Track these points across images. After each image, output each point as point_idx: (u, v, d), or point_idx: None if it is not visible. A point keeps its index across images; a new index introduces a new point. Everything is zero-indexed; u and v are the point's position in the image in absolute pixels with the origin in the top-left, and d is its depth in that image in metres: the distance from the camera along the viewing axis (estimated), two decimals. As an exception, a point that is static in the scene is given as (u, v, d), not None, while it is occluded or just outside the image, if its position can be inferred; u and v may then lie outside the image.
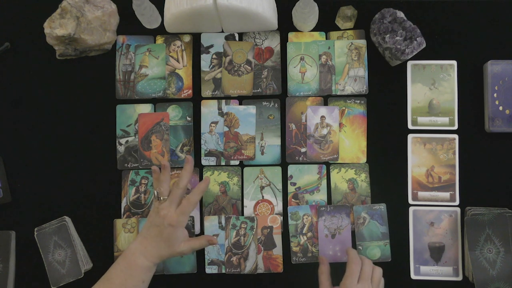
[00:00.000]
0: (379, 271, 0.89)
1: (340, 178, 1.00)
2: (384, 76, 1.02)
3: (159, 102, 1.02)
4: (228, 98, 1.02)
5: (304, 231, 0.98)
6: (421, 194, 0.99)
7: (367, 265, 0.88)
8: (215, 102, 1.02)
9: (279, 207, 1.00)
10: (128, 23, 1.04)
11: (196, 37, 1.04)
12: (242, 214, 1.00)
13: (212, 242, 0.91)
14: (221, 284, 0.99)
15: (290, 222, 0.99)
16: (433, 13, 1.02)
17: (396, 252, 0.98)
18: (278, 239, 0.99)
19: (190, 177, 0.91)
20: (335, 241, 0.93)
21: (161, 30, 1.04)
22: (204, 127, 1.02)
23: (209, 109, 1.02)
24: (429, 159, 0.99)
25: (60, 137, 1.02)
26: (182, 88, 1.03)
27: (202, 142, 1.01)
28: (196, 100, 1.02)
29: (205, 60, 1.03)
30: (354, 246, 0.98)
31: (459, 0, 1.03)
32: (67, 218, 0.99)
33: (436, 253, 0.98)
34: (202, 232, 0.99)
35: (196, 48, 1.04)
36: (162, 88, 1.02)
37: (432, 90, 1.01)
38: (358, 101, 1.01)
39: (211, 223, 0.99)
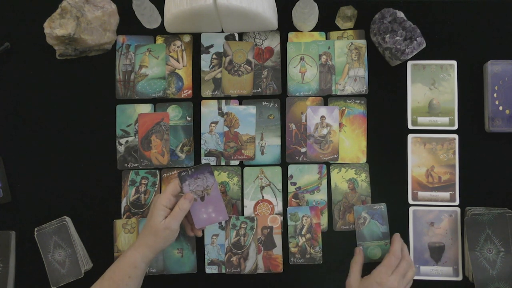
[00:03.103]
0: (413, 271, 0.90)
1: (340, 178, 1.00)
2: (384, 76, 1.02)
3: (159, 102, 1.02)
4: (228, 98, 1.02)
5: (303, 232, 0.98)
6: (421, 194, 0.99)
7: (405, 261, 0.89)
8: (215, 102, 1.02)
9: (279, 207, 1.00)
10: (128, 23, 1.04)
11: (196, 37, 1.04)
12: (242, 214, 1.00)
13: (190, 197, 0.90)
14: (221, 284, 0.99)
15: (289, 223, 0.99)
16: (433, 13, 1.02)
17: (396, 252, 0.98)
18: (278, 239, 0.99)
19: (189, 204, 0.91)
20: (206, 203, 0.91)
21: (161, 30, 1.04)
22: (204, 127, 1.02)
23: (209, 109, 1.02)
24: (429, 159, 0.99)
25: (60, 137, 1.02)
26: (182, 88, 1.03)
27: (202, 142, 1.01)
28: (196, 100, 1.02)
29: (205, 60, 1.03)
30: (355, 246, 0.98)
31: (459, 0, 1.03)
32: (67, 218, 0.99)
33: (436, 253, 0.98)
34: (202, 232, 0.99)
35: (196, 48, 1.04)
36: (162, 88, 1.03)
37: (432, 90, 1.01)
38: (358, 101, 1.01)
39: (211, 223, 0.99)
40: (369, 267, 0.97)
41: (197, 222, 0.92)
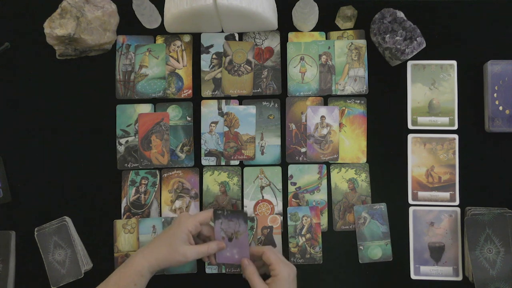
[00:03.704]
0: (290, 267, 0.88)
1: (340, 178, 1.00)
2: (384, 76, 1.02)
3: (159, 102, 1.02)
4: (228, 98, 1.02)
5: (303, 232, 0.98)
6: (421, 194, 0.99)
7: (283, 266, 0.87)
8: (215, 102, 1.02)
9: (279, 207, 1.00)
10: (128, 23, 1.04)
11: (196, 37, 1.04)
12: (242, 214, 1.00)
13: (222, 246, 0.90)
14: (221, 284, 0.99)
15: (289, 223, 0.99)
16: (433, 13, 1.02)
17: (396, 252, 0.98)
18: (278, 239, 0.99)
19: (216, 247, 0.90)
20: (232, 244, 0.91)
21: (161, 30, 1.04)
22: (204, 127, 1.02)
23: (209, 109, 1.02)
24: (429, 159, 0.99)
25: (60, 137, 1.02)
26: (182, 88, 1.03)
27: (202, 142, 1.01)
28: (196, 100, 1.02)
29: (205, 60, 1.03)
30: (355, 246, 0.98)
31: (459, 0, 1.03)
32: (67, 218, 0.99)
33: (436, 253, 0.98)
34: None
35: (196, 48, 1.04)
36: (162, 88, 1.03)
37: (432, 90, 1.01)
38: (358, 101, 1.01)
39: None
40: (369, 266, 0.98)
41: (219, 257, 0.92)
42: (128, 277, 0.84)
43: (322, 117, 1.00)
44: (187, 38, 1.04)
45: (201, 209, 1.00)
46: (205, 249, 0.88)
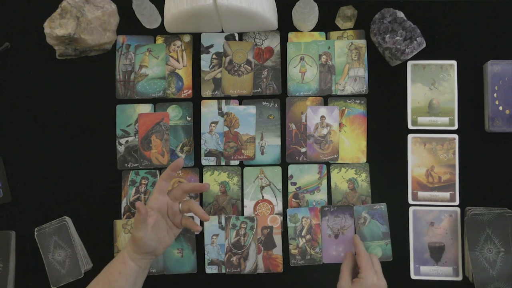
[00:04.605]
0: (376, 258, 0.92)
1: (340, 178, 1.00)
2: (384, 76, 1.02)
3: (159, 102, 1.02)
4: (228, 98, 1.02)
5: (303, 234, 0.98)
6: (421, 194, 0.99)
7: (376, 258, 0.91)
8: (215, 102, 1.02)
9: (279, 207, 1.00)
10: (128, 23, 1.04)
11: (196, 37, 1.04)
12: (242, 214, 1.00)
13: (180, 161, 0.88)
14: (221, 284, 0.99)
15: (289, 224, 0.99)
16: (433, 13, 1.02)
17: (396, 252, 0.98)
18: (278, 239, 0.99)
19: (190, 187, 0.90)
20: (338, 241, 0.94)
21: (161, 30, 1.04)
22: (204, 127, 1.02)
23: (209, 109, 1.02)
24: (429, 159, 0.99)
25: (60, 137, 1.02)
26: (182, 88, 1.03)
27: (202, 142, 1.01)
28: (196, 100, 1.02)
29: (205, 60, 1.03)
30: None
31: (459, 0, 1.03)
32: (67, 218, 0.99)
33: (436, 253, 0.98)
34: (202, 232, 0.99)
35: (196, 48, 1.04)
36: (162, 88, 1.03)
37: (432, 90, 1.01)
38: (358, 101, 1.01)
39: (211, 223, 0.99)
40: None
41: (326, 257, 0.95)
42: (114, 266, 0.86)
43: (322, 117, 1.00)
44: (187, 38, 1.04)
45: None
46: (189, 187, 0.89)
